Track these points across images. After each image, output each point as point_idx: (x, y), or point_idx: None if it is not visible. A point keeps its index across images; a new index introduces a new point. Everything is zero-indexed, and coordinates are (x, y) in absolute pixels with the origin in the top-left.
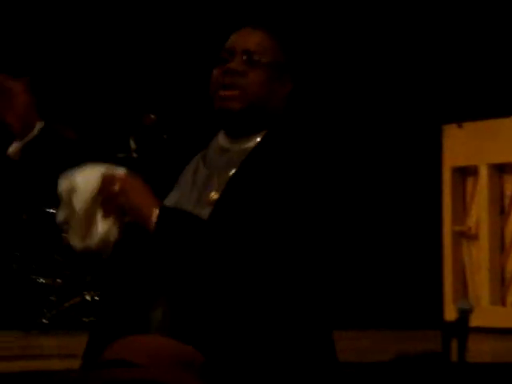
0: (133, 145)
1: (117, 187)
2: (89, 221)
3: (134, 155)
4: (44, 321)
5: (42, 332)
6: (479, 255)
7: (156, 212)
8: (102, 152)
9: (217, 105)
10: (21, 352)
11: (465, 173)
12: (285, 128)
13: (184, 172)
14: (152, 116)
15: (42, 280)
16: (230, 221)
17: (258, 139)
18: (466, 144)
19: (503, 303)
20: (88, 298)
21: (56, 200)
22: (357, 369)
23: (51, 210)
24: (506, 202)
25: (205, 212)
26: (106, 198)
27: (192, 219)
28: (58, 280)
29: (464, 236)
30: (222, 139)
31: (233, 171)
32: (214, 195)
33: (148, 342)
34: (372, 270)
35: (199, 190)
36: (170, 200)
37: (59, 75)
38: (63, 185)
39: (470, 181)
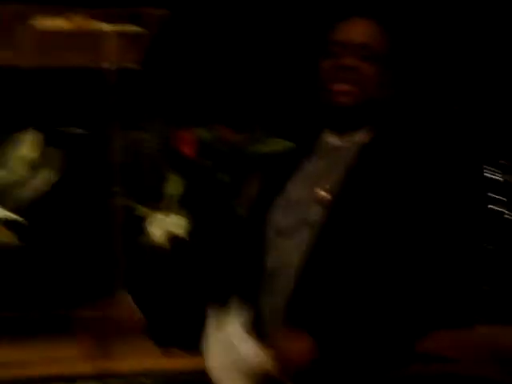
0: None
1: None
2: None
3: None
4: None
5: None
6: None
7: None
8: None
9: (328, 100)
10: None
11: None
12: (395, 122)
13: (284, 172)
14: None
15: None
16: (354, 223)
17: (367, 134)
18: None
19: None
20: None
21: None
22: None
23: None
24: None
25: (317, 211)
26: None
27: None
28: None
29: None
30: (329, 137)
31: (347, 168)
32: (326, 195)
33: (457, 336)
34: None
35: (310, 189)
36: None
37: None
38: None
39: None
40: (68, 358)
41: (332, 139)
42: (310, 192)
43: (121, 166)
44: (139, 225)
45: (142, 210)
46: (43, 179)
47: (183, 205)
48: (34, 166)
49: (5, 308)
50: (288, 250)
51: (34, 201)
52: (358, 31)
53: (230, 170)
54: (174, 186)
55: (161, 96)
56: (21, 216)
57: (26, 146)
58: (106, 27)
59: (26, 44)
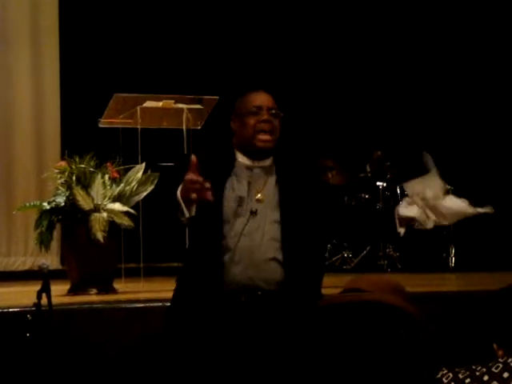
0: (368, 169)
1: None
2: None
3: (369, 175)
4: None
5: None
6: None
7: None
8: None
9: (257, 144)
10: None
11: None
12: (284, 151)
13: (221, 184)
14: (379, 152)
15: None
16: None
17: (271, 159)
18: None
19: None
20: (345, 255)
21: None
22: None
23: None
24: None
25: (255, 206)
26: None
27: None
28: (329, 245)
29: None
30: (244, 161)
31: (269, 180)
32: (260, 196)
33: (373, 277)
34: None
35: (246, 198)
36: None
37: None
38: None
39: None
40: None
41: (248, 162)
42: (247, 193)
43: None
44: None
45: None
46: (146, 190)
47: None
48: (141, 183)
49: None
50: (251, 226)
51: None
52: (266, 98)
53: None
54: None
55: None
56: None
57: (140, 172)
58: (182, 106)
59: (141, 115)
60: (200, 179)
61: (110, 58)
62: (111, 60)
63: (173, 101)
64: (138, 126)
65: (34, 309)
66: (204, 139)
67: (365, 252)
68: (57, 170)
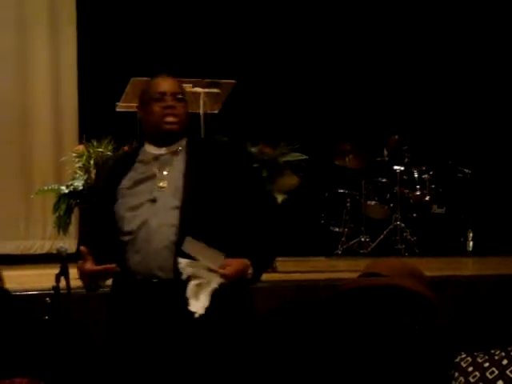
0: (385, 153)
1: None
2: None
3: (386, 159)
4: (338, 252)
5: (337, 258)
6: None
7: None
8: None
9: (163, 127)
10: (326, 269)
11: None
12: (195, 137)
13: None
14: (396, 136)
15: (336, 229)
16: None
17: (181, 144)
18: None
19: None
20: (363, 239)
21: None
22: None
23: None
24: None
25: (155, 195)
26: None
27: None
28: (346, 229)
29: None
30: (151, 150)
31: (176, 166)
32: (162, 184)
33: (391, 261)
34: None
35: (147, 187)
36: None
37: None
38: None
39: None
40: None
41: (154, 151)
42: (150, 184)
43: None
44: None
45: None
46: None
47: None
48: None
49: None
50: (148, 215)
51: None
52: (170, 83)
53: (267, 169)
54: None
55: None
56: None
57: None
58: (199, 90)
59: None
60: (97, 269)
61: (127, 42)
62: (128, 44)
63: (190, 85)
64: None
65: (52, 292)
66: (221, 123)
67: (382, 236)
68: (75, 154)
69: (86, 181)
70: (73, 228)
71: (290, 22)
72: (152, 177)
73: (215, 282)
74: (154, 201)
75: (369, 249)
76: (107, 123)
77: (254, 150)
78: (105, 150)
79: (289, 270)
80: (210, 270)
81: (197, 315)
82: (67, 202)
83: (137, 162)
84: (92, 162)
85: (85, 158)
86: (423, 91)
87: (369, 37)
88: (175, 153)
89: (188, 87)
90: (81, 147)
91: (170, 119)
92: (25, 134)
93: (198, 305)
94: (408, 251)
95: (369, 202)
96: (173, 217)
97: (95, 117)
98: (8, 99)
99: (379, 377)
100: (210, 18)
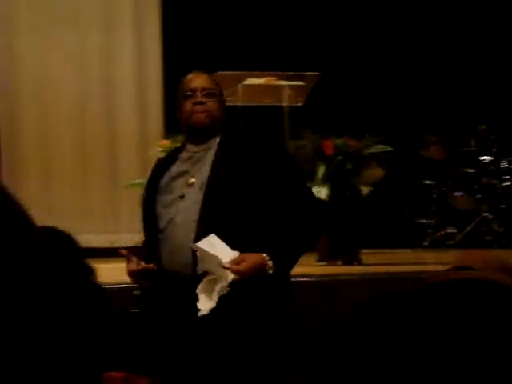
0: (472, 143)
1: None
2: None
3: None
4: (425, 243)
5: (424, 250)
6: None
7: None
8: None
9: (192, 123)
10: (412, 261)
11: None
12: (231, 133)
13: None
14: (483, 126)
15: (423, 221)
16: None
17: (215, 142)
18: None
19: None
20: (449, 231)
21: None
22: None
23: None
24: None
25: (184, 191)
26: None
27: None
28: (432, 221)
29: None
30: (189, 148)
31: (207, 162)
32: (191, 180)
33: (483, 254)
34: None
35: (179, 183)
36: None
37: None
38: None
39: None
40: None
41: (190, 151)
42: (182, 180)
43: None
44: None
45: None
46: None
47: (326, 181)
48: None
49: None
50: (176, 211)
51: None
52: (199, 79)
53: (352, 161)
54: (321, 170)
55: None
56: None
57: None
58: (283, 83)
59: (242, 93)
60: (137, 269)
61: (211, 35)
62: (213, 39)
63: (274, 78)
64: (240, 103)
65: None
66: (305, 116)
67: (470, 227)
68: (160, 149)
69: None
70: None
71: (374, 12)
72: (184, 174)
73: (226, 278)
74: (182, 197)
75: (456, 240)
76: None
77: (338, 142)
78: None
79: (374, 262)
80: (223, 267)
81: (200, 314)
82: None
83: (177, 160)
84: None
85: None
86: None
87: (454, 26)
88: (209, 149)
89: (272, 80)
90: (166, 142)
91: (198, 115)
92: (111, 131)
93: (205, 304)
94: (496, 242)
95: (455, 193)
96: (195, 212)
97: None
98: (94, 97)
99: (471, 371)
100: (294, 10)
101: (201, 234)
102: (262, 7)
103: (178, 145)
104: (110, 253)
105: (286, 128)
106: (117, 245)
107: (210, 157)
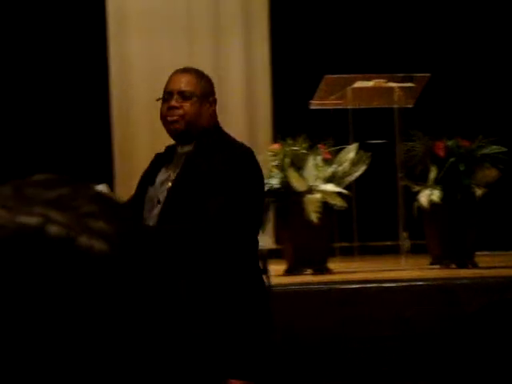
0: None
1: None
2: None
3: None
4: None
5: None
6: None
7: None
8: None
9: (167, 127)
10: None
11: None
12: (209, 136)
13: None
14: None
15: None
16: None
17: (193, 144)
18: None
19: None
20: None
21: None
22: None
23: None
24: None
25: (162, 196)
26: None
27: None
28: None
29: None
30: (176, 151)
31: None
32: (169, 184)
33: None
34: None
35: (162, 188)
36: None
37: None
38: None
39: None
40: None
41: (180, 149)
42: (164, 184)
43: (402, 162)
44: (414, 196)
45: (415, 187)
46: (359, 170)
47: (438, 183)
48: (354, 163)
49: None
50: (151, 216)
51: (353, 182)
52: (177, 80)
53: (465, 163)
54: (433, 172)
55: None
56: (346, 190)
57: (352, 152)
58: (393, 84)
59: (351, 96)
60: None
61: (319, 38)
62: (320, 41)
63: (384, 80)
64: (349, 107)
65: None
66: (416, 117)
67: None
68: (270, 153)
69: (281, 179)
70: (270, 225)
71: (485, 11)
72: (168, 177)
73: None
74: (159, 203)
75: None
76: (301, 121)
77: (450, 143)
78: (300, 148)
79: (491, 265)
80: None
81: None
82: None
83: (171, 161)
84: (287, 160)
85: (280, 156)
86: None
87: None
88: (188, 152)
89: (381, 82)
90: (276, 146)
91: (170, 119)
92: None
93: None
94: None
95: None
96: (154, 222)
97: (289, 115)
98: None
99: None
100: (403, 11)
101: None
102: (370, 9)
103: (288, 148)
104: None
105: (397, 130)
106: None
107: (182, 162)
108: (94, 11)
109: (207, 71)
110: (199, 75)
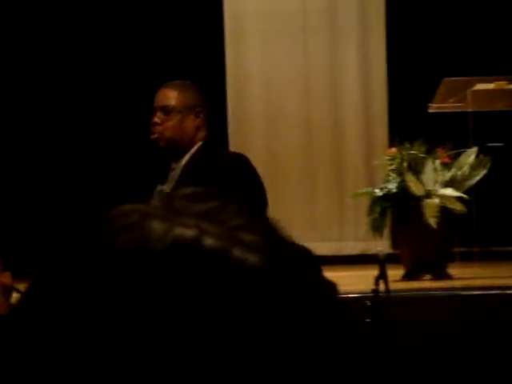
0: None
1: None
2: None
3: None
4: None
5: None
6: None
7: None
8: None
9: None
10: None
11: None
12: (202, 148)
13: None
14: None
15: None
16: None
17: (186, 159)
18: None
19: None
20: None
21: None
22: None
23: None
24: None
25: None
26: None
27: None
28: None
29: None
30: (172, 164)
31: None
32: None
33: None
34: None
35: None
36: None
37: None
38: None
39: None
40: None
41: (174, 164)
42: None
43: None
44: None
45: None
46: (479, 174)
47: None
48: (474, 167)
49: None
50: None
51: (473, 186)
52: (159, 96)
53: None
54: None
55: None
56: (466, 194)
57: (472, 156)
58: None
59: (471, 99)
60: None
61: (437, 40)
62: (439, 42)
63: (506, 82)
64: (469, 110)
65: (372, 294)
66: None
67: None
68: (387, 157)
69: (399, 183)
70: (386, 230)
71: None
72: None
73: None
74: None
75: None
76: (419, 125)
77: None
78: (417, 152)
79: None
80: None
81: None
82: (381, 205)
83: (165, 178)
84: (405, 164)
85: (397, 160)
86: None
87: None
88: (181, 166)
89: (503, 84)
90: (393, 150)
91: (152, 137)
92: (336, 137)
93: None
94: None
95: None
96: None
97: (405, 118)
98: (320, 109)
99: None
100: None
101: None
102: (490, 9)
103: (406, 152)
104: (333, 260)
105: None
106: (342, 253)
107: (176, 176)
108: (211, 15)
109: (322, 71)
110: (182, 88)
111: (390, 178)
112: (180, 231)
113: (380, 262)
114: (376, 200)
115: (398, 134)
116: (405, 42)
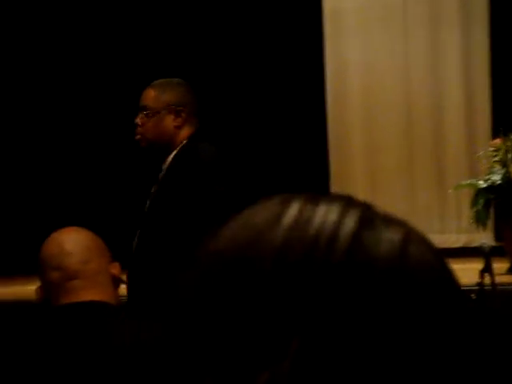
0: None
1: None
2: None
3: None
4: None
5: None
6: None
7: None
8: None
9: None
10: None
11: None
12: (185, 148)
13: None
14: None
15: None
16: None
17: (169, 161)
18: None
19: None
20: None
21: None
22: None
23: None
24: None
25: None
26: None
27: None
28: None
29: None
30: (163, 165)
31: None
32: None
33: None
34: None
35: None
36: None
37: None
38: None
39: None
40: None
41: (163, 165)
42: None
43: None
44: None
45: None
46: None
47: None
48: None
49: None
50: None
51: None
52: (142, 97)
53: None
54: None
55: None
56: None
57: None
58: None
59: None
60: None
61: None
62: None
63: None
64: None
65: (477, 288)
66: None
67: None
68: (491, 148)
69: (504, 175)
70: (490, 222)
71: None
72: (150, 195)
73: None
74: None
75: None
76: None
77: None
78: None
79: None
80: None
81: None
82: (485, 197)
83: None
84: (510, 155)
85: (502, 151)
86: None
87: None
88: (166, 169)
89: None
90: (498, 141)
91: (135, 137)
92: (438, 131)
93: None
94: None
95: None
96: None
97: (509, 108)
98: (420, 98)
99: None
100: None
101: (136, 265)
102: None
103: (511, 143)
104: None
105: None
106: (444, 246)
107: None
108: (310, 10)
109: (423, 62)
110: (161, 88)
111: (495, 169)
112: (389, 236)
113: (485, 254)
114: (480, 192)
115: (502, 124)
116: (509, 32)
